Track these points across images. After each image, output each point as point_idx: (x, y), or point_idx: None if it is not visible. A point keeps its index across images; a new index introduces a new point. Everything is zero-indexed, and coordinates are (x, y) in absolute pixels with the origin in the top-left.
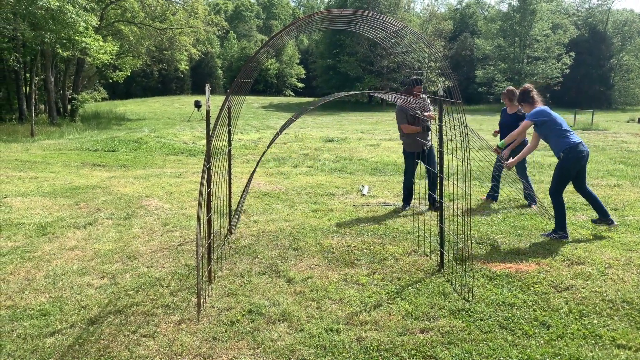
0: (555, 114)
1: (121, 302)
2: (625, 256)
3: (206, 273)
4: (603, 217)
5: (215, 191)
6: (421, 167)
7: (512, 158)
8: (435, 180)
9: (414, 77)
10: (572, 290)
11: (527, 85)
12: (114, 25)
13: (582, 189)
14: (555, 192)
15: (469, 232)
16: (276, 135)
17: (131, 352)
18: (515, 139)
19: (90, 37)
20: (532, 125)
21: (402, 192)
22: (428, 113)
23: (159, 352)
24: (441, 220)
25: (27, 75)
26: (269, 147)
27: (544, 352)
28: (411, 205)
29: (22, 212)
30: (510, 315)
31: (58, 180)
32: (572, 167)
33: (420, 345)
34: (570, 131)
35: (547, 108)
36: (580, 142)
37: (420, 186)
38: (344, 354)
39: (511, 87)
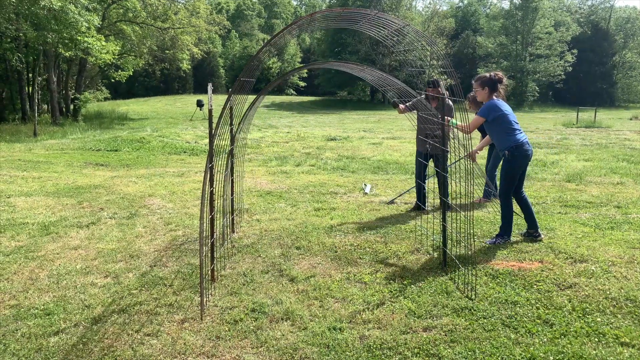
0: (507, 108)
1: (125, 301)
2: (629, 254)
3: (209, 272)
4: (532, 229)
5: (218, 190)
6: (430, 169)
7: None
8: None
9: (433, 78)
10: (575, 288)
11: (500, 74)
12: (116, 25)
13: (518, 193)
14: (505, 194)
15: (471, 231)
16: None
17: (135, 351)
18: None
19: (92, 37)
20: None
21: None
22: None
23: (163, 351)
24: (444, 219)
25: (30, 75)
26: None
27: (547, 350)
28: (425, 207)
29: (25, 212)
30: (513, 313)
31: (61, 180)
32: (518, 166)
33: (424, 344)
34: (519, 129)
35: (499, 102)
36: (527, 142)
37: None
38: (347, 353)
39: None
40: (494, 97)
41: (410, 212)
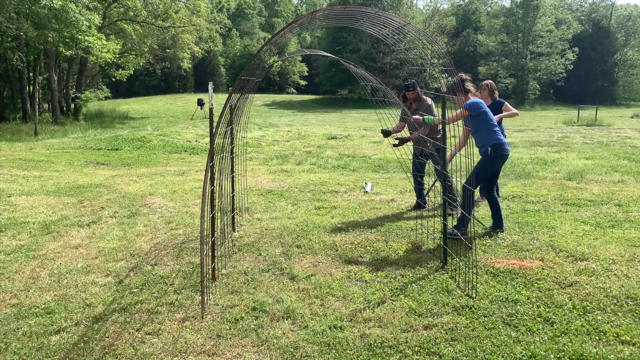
0: (487, 108)
1: (125, 300)
2: (630, 252)
3: (210, 271)
4: (497, 227)
5: (219, 189)
6: (429, 167)
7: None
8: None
9: (409, 81)
10: (576, 286)
11: (462, 74)
12: (117, 24)
13: (491, 192)
14: (472, 186)
15: (472, 229)
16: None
17: (136, 350)
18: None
19: (93, 36)
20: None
21: None
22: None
23: (164, 350)
24: (445, 217)
25: (31, 74)
26: None
27: (547, 349)
28: (425, 206)
29: (26, 211)
30: (514, 311)
31: (62, 179)
32: (496, 164)
33: (424, 342)
34: (498, 128)
35: (481, 101)
36: (506, 142)
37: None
38: (348, 351)
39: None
40: (473, 97)
41: (410, 210)
